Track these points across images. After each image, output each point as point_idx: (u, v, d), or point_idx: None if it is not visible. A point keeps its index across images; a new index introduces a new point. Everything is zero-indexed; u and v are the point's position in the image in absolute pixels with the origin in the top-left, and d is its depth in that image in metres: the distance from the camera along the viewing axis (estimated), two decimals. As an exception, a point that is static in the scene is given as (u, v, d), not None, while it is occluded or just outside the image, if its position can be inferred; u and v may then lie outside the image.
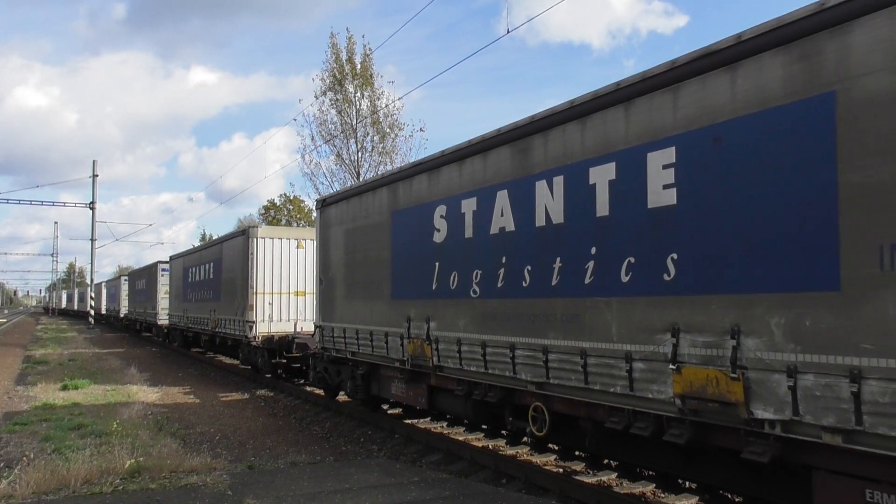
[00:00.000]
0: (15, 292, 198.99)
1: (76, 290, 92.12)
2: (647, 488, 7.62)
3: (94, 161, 45.22)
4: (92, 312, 50.84)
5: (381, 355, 10.79)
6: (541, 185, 7.41)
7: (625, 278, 6.29)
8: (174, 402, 15.19)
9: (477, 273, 8.43)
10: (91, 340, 36.42)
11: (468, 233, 8.67)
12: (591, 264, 6.69)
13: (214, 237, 31.72)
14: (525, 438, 9.88)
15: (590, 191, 6.73)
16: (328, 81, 30.20)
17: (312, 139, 31.62)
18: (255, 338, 17.70)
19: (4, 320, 70.57)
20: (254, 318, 17.78)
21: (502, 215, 8.03)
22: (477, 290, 8.43)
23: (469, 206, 8.67)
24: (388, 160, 29.83)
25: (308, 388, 15.59)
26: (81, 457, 8.52)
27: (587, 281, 6.72)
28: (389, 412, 12.75)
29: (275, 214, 59.49)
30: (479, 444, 10.07)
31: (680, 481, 7.56)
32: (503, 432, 10.20)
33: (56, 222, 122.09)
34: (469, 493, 7.30)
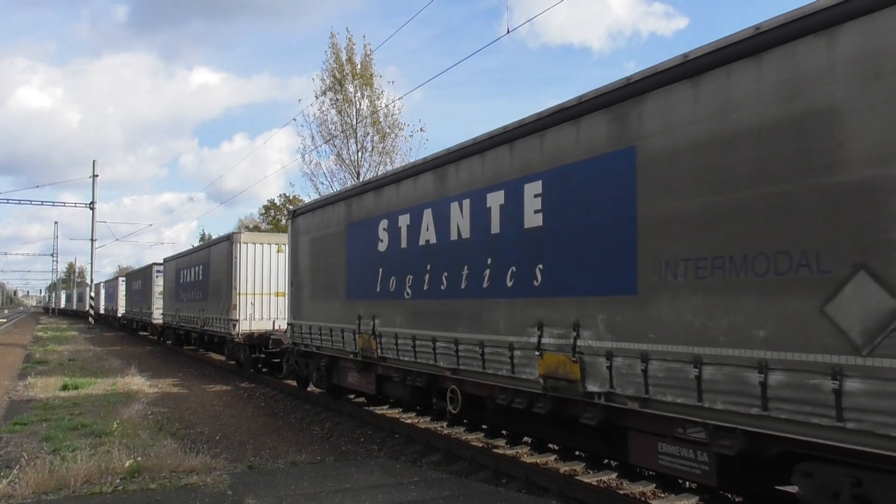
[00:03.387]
0: (15, 292, 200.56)
1: (75, 291, 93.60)
2: (648, 488, 7.63)
3: (94, 161, 46.65)
4: (92, 312, 52.34)
5: (339, 349, 12.37)
6: (454, 206, 8.99)
7: (509, 283, 7.87)
8: (174, 401, 15.37)
9: (409, 278, 10.01)
10: (91, 340, 37.41)
11: (403, 244, 10.24)
12: (487, 272, 8.27)
13: (214, 237, 32.94)
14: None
15: (487, 212, 8.31)
16: (328, 81, 30.13)
17: (312, 139, 31.71)
18: (237, 335, 19.28)
19: (4, 320, 70.48)
20: (237, 317, 19.36)
21: (428, 230, 9.61)
22: (409, 292, 10.01)
23: (404, 221, 10.25)
24: (389, 160, 29.66)
25: (285, 381, 17.15)
26: (81, 457, 8.50)
27: (485, 285, 8.30)
28: (355, 400, 14.26)
29: (275, 214, 60.70)
30: (479, 445, 10.12)
31: (680, 481, 7.63)
32: (503, 432, 10.42)
33: (56, 222, 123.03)
34: (469, 493, 7.34)
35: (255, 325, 19.32)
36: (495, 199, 8.17)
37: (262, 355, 18.97)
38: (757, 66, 5.19)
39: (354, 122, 29.76)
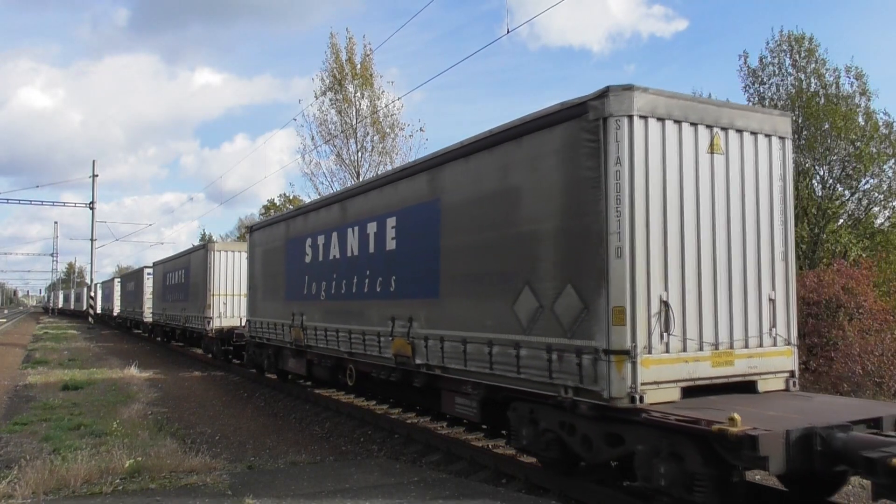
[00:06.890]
0: (15, 292, 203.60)
1: (73, 291, 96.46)
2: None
3: (93, 161, 48.10)
4: (91, 312, 54.98)
5: (281, 339, 15.45)
6: (349, 231, 12.07)
7: (378, 289, 10.94)
8: (173, 401, 15.42)
9: (324, 284, 13.09)
10: (90, 339, 38.66)
11: (320, 257, 13.32)
12: (367, 280, 11.34)
13: (214, 237, 34.94)
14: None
15: (367, 237, 11.38)
16: (328, 81, 30.16)
17: (312, 139, 31.43)
18: (211, 330, 22.37)
19: (4, 320, 71.03)
20: (211, 315, 22.45)
21: (335, 247, 12.69)
22: (323, 295, 13.08)
23: (321, 240, 13.33)
24: (388, 160, 29.69)
25: (248, 369, 20.20)
26: (81, 456, 8.54)
27: (366, 290, 11.38)
28: (301, 383, 17.24)
29: (274, 214, 63.58)
30: (479, 444, 10.17)
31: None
32: (503, 432, 10.09)
33: (56, 222, 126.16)
34: (469, 493, 7.43)
35: (225, 321, 22.41)
36: (372, 228, 11.25)
37: (231, 347, 22.07)
38: (491, 154, 8.26)
39: (354, 122, 29.74)
